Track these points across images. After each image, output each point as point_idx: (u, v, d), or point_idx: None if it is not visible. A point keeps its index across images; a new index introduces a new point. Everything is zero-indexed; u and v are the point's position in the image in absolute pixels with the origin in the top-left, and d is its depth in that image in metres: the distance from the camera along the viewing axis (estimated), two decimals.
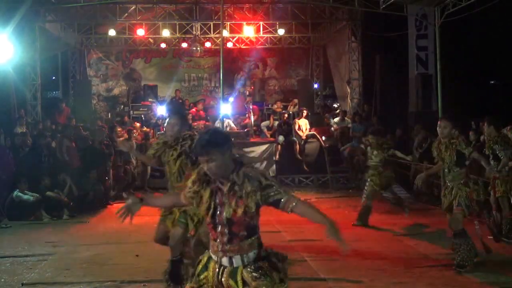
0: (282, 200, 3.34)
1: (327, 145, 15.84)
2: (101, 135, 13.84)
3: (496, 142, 7.92)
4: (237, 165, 3.37)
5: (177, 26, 18.92)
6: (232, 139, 3.59)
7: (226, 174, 3.35)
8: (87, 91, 19.21)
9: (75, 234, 9.39)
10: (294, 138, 15.91)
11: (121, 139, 14.78)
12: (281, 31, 18.97)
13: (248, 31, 18.91)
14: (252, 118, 17.40)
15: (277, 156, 15.68)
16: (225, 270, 3.41)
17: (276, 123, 16.93)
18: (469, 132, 11.07)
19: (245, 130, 17.12)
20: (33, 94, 16.21)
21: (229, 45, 19.96)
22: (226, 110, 16.86)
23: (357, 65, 18.21)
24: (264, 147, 15.87)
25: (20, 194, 10.55)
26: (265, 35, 19.72)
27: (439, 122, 6.57)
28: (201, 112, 18.60)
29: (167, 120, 5.83)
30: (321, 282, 6.20)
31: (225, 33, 17.89)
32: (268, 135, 16.97)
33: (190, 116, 16.77)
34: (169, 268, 5.58)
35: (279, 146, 15.79)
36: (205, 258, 3.54)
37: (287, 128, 16.16)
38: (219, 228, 3.39)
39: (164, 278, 5.60)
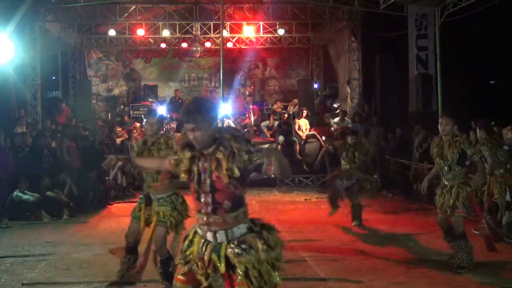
0: (264, 163, 3.21)
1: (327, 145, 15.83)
2: (101, 135, 13.84)
3: (483, 144, 7.98)
4: (225, 132, 3.33)
5: (177, 26, 18.92)
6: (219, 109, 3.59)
7: (209, 144, 3.29)
8: (87, 91, 19.23)
9: (75, 234, 9.38)
10: (294, 138, 15.91)
11: (120, 139, 14.80)
12: (281, 31, 18.97)
13: (248, 31, 18.92)
14: (252, 118, 17.41)
15: None
16: (209, 245, 3.35)
17: (276, 123, 16.93)
18: (469, 132, 11.06)
19: (245, 130, 17.12)
20: (33, 94, 16.22)
21: (229, 45, 19.97)
22: (226, 110, 16.85)
23: (357, 65, 18.21)
24: (264, 147, 15.84)
25: (20, 194, 10.55)
26: (265, 35, 19.72)
27: (440, 120, 6.50)
28: None
29: (145, 120, 5.96)
30: (321, 282, 6.19)
31: (225, 33, 17.90)
32: (268, 135, 16.97)
33: None
34: (161, 268, 5.62)
35: (279, 146, 15.78)
36: (191, 233, 3.49)
37: (287, 128, 16.16)
38: (203, 198, 3.32)
39: (160, 279, 5.64)
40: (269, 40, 20.29)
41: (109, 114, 19.96)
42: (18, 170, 11.19)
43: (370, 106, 17.38)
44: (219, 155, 3.25)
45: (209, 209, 3.30)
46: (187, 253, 3.45)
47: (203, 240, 3.39)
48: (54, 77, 20.82)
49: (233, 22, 18.99)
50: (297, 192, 14.30)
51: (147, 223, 5.74)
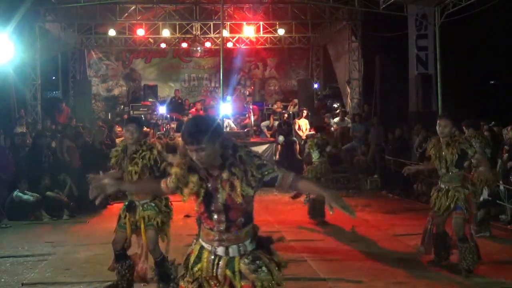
0: (278, 177, 3.24)
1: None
2: (101, 135, 13.83)
3: (474, 137, 8.08)
4: (231, 149, 3.21)
5: (177, 26, 18.93)
6: (221, 127, 3.47)
7: (215, 162, 3.19)
8: (87, 91, 19.23)
9: (75, 234, 9.38)
10: (294, 138, 15.91)
11: (120, 138, 14.77)
12: (281, 31, 18.98)
13: (248, 31, 18.92)
14: (252, 118, 17.40)
15: (277, 156, 15.67)
16: (221, 260, 3.26)
17: (276, 123, 16.93)
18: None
19: (245, 130, 17.13)
20: (33, 94, 16.22)
21: (229, 45, 19.97)
22: (226, 110, 16.86)
23: (357, 65, 18.21)
24: (264, 147, 15.87)
25: (20, 194, 10.55)
26: (265, 35, 19.73)
27: (438, 121, 6.37)
28: (201, 112, 18.60)
29: (125, 128, 5.74)
30: (321, 282, 6.19)
31: (225, 33, 17.90)
32: (268, 135, 16.98)
33: (189, 117, 16.77)
34: (156, 270, 5.63)
35: (279, 146, 15.79)
36: (197, 248, 3.36)
37: (287, 128, 16.16)
38: (216, 216, 3.24)
39: (155, 280, 5.66)
40: (269, 40, 20.29)
41: (109, 114, 19.96)
42: (18, 170, 11.19)
43: (370, 106, 17.38)
44: (232, 178, 3.18)
45: (222, 227, 3.23)
46: (195, 269, 3.32)
47: (213, 256, 3.28)
48: (54, 77, 20.84)
49: (233, 22, 19.00)
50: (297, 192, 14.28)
51: (133, 230, 5.70)
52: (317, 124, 12.45)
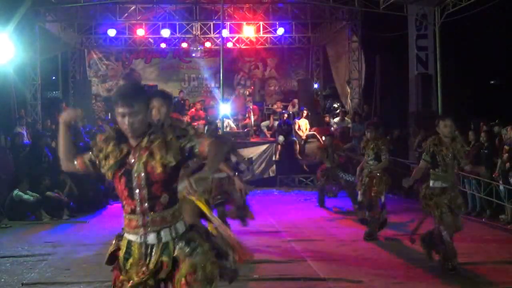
0: (195, 146, 2.97)
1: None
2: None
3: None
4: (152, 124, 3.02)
5: (177, 26, 18.92)
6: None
7: (143, 132, 2.98)
8: (87, 91, 19.24)
9: (75, 234, 9.38)
10: (294, 138, 15.90)
11: None
12: (281, 31, 18.97)
13: (248, 31, 18.92)
14: (252, 118, 17.40)
15: (277, 156, 15.67)
16: (153, 249, 2.97)
17: (276, 123, 16.93)
18: (468, 132, 11.07)
19: (245, 130, 17.12)
20: (33, 94, 16.21)
21: (229, 45, 19.96)
22: (226, 110, 16.86)
23: (357, 65, 18.21)
24: (264, 147, 15.87)
25: (20, 193, 10.55)
26: (265, 35, 19.72)
27: (444, 122, 6.41)
28: (201, 112, 18.58)
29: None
30: (321, 282, 6.19)
31: (225, 33, 17.90)
32: (268, 135, 16.97)
33: (189, 116, 16.77)
34: None
35: (279, 146, 15.79)
36: (124, 243, 3.05)
37: (287, 128, 16.16)
38: (137, 193, 2.96)
39: None
40: (269, 40, 20.28)
41: (109, 114, 19.95)
42: (18, 170, 11.19)
43: (370, 106, 17.37)
44: (151, 145, 2.94)
45: (146, 205, 2.94)
46: (127, 267, 3.01)
47: (144, 246, 2.98)
48: (54, 77, 20.83)
49: (233, 22, 18.99)
50: (297, 192, 14.30)
51: None
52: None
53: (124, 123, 2.94)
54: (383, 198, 8.39)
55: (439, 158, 6.44)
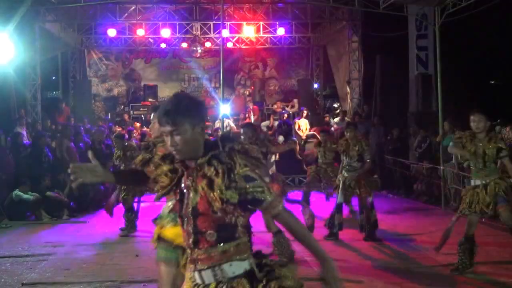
0: (265, 201, 2.46)
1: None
2: (101, 135, 13.83)
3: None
4: (223, 140, 2.53)
5: (177, 26, 18.92)
6: (207, 108, 2.78)
7: (195, 153, 2.50)
8: (87, 91, 19.25)
9: (75, 234, 9.38)
10: (294, 138, 15.88)
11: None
12: (281, 31, 18.98)
13: (248, 31, 18.92)
14: (252, 118, 17.40)
15: (277, 156, 15.65)
16: None
17: (276, 123, 16.93)
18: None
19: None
20: (33, 94, 16.21)
21: (229, 45, 19.96)
22: (226, 110, 16.85)
23: (357, 65, 18.21)
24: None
25: (20, 193, 10.55)
26: (265, 35, 19.72)
27: (472, 117, 6.30)
28: None
29: (153, 116, 5.31)
30: (321, 282, 6.17)
31: (225, 33, 17.89)
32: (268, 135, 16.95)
33: None
34: None
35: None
36: (187, 279, 2.66)
37: (287, 128, 16.15)
38: (185, 225, 2.55)
39: None
40: (269, 40, 20.28)
41: (109, 114, 19.97)
42: (18, 170, 11.19)
43: (370, 106, 17.37)
44: (209, 170, 2.45)
45: (191, 240, 2.52)
46: None
47: (194, 284, 2.57)
48: (54, 77, 20.84)
49: (233, 22, 18.99)
50: (297, 192, 14.27)
51: None
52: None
53: (167, 141, 2.53)
54: (370, 198, 8.35)
55: (472, 153, 6.25)
